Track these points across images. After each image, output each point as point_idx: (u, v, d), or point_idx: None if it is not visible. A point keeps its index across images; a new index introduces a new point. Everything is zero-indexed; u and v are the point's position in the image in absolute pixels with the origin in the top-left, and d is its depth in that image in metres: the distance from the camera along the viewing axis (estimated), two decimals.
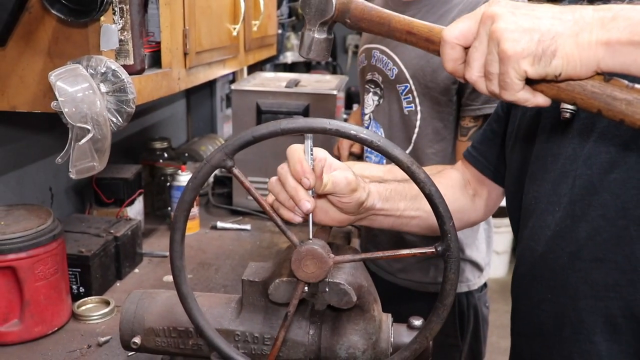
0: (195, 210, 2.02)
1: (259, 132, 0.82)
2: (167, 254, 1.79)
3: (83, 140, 1.10)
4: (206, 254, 1.85)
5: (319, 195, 0.96)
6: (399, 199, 1.08)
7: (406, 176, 1.02)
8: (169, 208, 2.03)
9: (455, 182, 1.24)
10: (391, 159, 0.79)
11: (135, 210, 1.89)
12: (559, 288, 0.94)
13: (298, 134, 0.88)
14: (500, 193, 1.26)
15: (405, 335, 1.00)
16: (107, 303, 1.46)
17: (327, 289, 0.92)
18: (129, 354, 1.25)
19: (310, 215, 0.91)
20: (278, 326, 0.97)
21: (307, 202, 0.89)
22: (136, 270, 1.70)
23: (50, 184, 1.80)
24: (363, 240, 1.89)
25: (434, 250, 0.83)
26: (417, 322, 1.00)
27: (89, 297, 1.47)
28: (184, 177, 1.99)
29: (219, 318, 1.01)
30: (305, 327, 0.98)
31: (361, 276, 0.97)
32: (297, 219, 0.92)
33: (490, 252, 1.79)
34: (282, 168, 0.91)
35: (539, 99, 0.77)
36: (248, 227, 2.08)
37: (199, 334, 0.95)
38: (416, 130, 1.60)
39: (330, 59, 4.22)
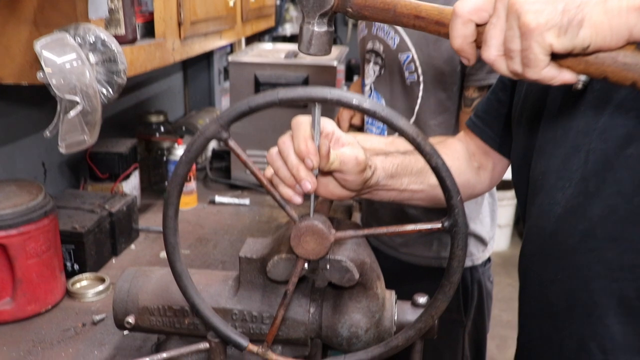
0: (192, 184, 1.98)
1: (255, 102, 0.77)
2: None
3: (72, 113, 1.05)
4: (204, 229, 1.82)
5: (322, 172, 0.91)
6: (404, 174, 1.04)
7: (409, 148, 0.97)
8: (166, 182, 1.98)
9: (460, 155, 1.19)
10: (396, 129, 0.75)
11: (131, 185, 1.85)
12: (570, 268, 0.89)
13: (297, 105, 0.84)
14: (506, 165, 1.21)
15: (409, 313, 0.96)
16: (102, 280, 1.43)
17: (328, 266, 0.88)
18: (125, 332, 1.22)
19: (314, 195, 0.87)
20: (277, 304, 0.94)
21: (308, 182, 0.84)
22: (132, 246, 1.67)
23: (43, 159, 1.75)
24: (364, 214, 1.86)
25: (440, 225, 0.79)
26: (422, 299, 0.97)
27: (83, 274, 1.44)
28: (180, 151, 1.94)
29: (215, 296, 0.97)
30: (305, 305, 0.95)
31: (364, 252, 0.93)
32: (297, 199, 0.87)
33: (495, 225, 1.75)
34: (284, 143, 0.86)
35: (566, 76, 0.71)
36: (247, 201, 2.04)
37: (195, 313, 0.92)
38: (419, 101, 1.55)
39: None
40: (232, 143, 0.79)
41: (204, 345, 0.93)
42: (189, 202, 1.97)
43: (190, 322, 0.98)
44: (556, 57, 0.71)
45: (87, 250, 1.44)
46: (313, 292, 0.96)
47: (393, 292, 0.99)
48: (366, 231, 0.84)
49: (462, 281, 1.64)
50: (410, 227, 0.82)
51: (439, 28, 0.81)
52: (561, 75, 0.71)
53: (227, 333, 0.89)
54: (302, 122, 0.85)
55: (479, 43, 0.77)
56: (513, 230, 4.71)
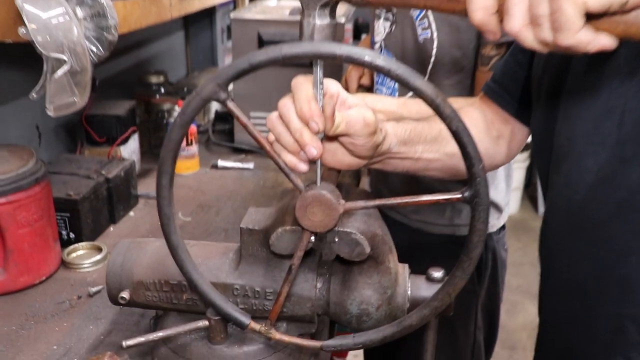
0: (194, 148, 1.91)
1: (256, 58, 0.70)
2: None
3: (59, 73, 0.98)
4: (206, 195, 1.75)
5: (328, 137, 0.84)
6: (417, 141, 0.96)
7: (422, 109, 0.89)
8: None
9: (477, 123, 1.11)
10: (412, 89, 0.67)
11: (130, 149, 1.78)
12: (602, 242, 0.82)
13: (303, 62, 0.76)
14: (526, 134, 1.13)
15: (423, 289, 0.91)
16: (99, 249, 1.37)
17: (337, 239, 0.81)
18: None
19: (318, 160, 0.79)
20: (281, 279, 0.87)
21: (313, 148, 0.76)
22: (131, 213, 1.61)
23: (37, 122, 1.68)
24: (373, 179, 1.78)
25: (460, 195, 0.72)
26: (437, 274, 0.91)
27: (79, 244, 1.38)
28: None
29: (215, 270, 0.91)
30: (312, 280, 0.89)
31: (375, 224, 0.87)
32: (302, 166, 0.79)
33: (510, 191, 1.67)
34: (285, 105, 0.78)
35: (603, 40, 0.63)
36: (251, 165, 1.97)
37: (192, 289, 0.86)
38: (432, 59, 1.46)
39: None
40: (231, 104, 0.72)
41: (203, 323, 0.88)
42: (190, 166, 1.90)
43: (189, 298, 0.92)
44: (590, 19, 0.63)
45: (82, 218, 1.38)
46: (320, 266, 0.90)
47: (406, 266, 0.93)
48: (378, 202, 0.77)
49: None
50: (426, 198, 0.76)
51: (453, 5, 0.73)
52: (598, 40, 0.63)
53: (228, 310, 0.84)
54: (303, 82, 0.77)
55: (500, 15, 0.69)
56: (523, 193, 4.64)
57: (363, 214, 0.88)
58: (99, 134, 1.71)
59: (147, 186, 1.79)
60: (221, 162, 1.97)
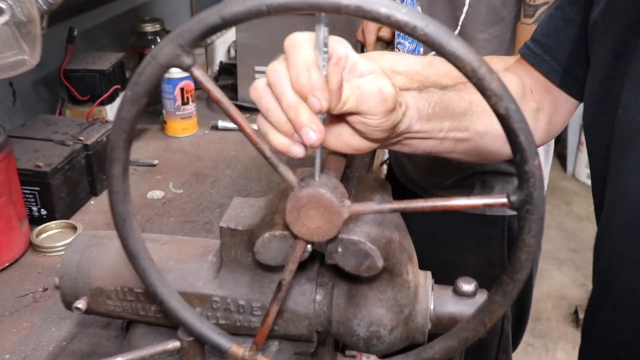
0: (191, 107, 1.74)
1: (229, 10, 0.53)
2: (156, 161, 1.54)
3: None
4: (202, 162, 1.59)
5: (332, 115, 0.67)
6: (444, 116, 0.80)
7: (453, 73, 0.73)
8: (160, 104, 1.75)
9: (513, 91, 0.92)
10: (446, 55, 0.50)
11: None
12: None
13: (300, 14, 0.59)
14: (572, 107, 0.97)
15: (450, 304, 0.75)
16: (74, 229, 1.21)
17: (340, 249, 0.65)
18: None
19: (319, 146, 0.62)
20: (271, 292, 0.72)
21: (312, 131, 0.59)
22: None
23: (11, 78, 1.51)
24: (391, 151, 1.61)
25: (505, 200, 0.55)
26: (468, 286, 0.74)
27: (52, 222, 1.22)
28: (176, 68, 1.68)
29: (189, 277, 0.75)
30: (309, 293, 0.73)
31: (391, 225, 0.70)
32: (296, 149, 0.62)
33: (549, 164, 1.50)
34: (277, 72, 0.60)
35: None
36: (255, 127, 1.78)
37: (158, 305, 0.69)
38: (465, 8, 1.26)
39: None
40: (197, 72, 0.56)
41: (173, 345, 0.72)
42: (187, 127, 1.73)
43: (159, 310, 0.76)
44: None
45: (55, 192, 1.22)
46: (320, 274, 0.74)
47: (428, 275, 0.76)
48: (396, 205, 0.60)
49: (508, 231, 1.40)
50: (460, 202, 0.58)
51: None
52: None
53: (203, 331, 0.68)
54: (301, 42, 0.60)
55: None
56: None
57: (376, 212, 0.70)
58: (81, 91, 1.54)
59: (137, 151, 1.64)
60: (222, 123, 1.80)
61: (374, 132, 0.68)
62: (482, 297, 0.73)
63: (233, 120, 0.58)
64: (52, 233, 1.22)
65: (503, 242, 1.41)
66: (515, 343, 1.65)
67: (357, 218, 0.66)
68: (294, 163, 0.69)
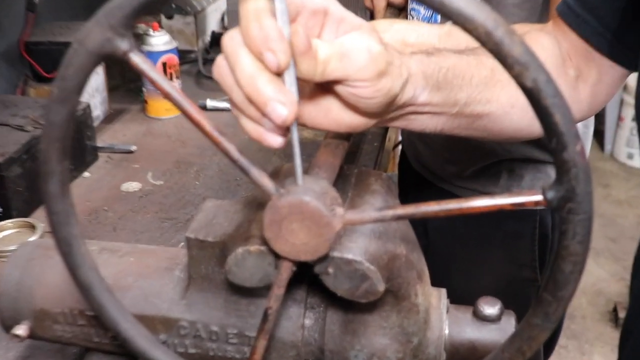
0: (176, 83, 1.66)
1: None
2: (134, 147, 1.48)
3: None
4: (186, 148, 1.53)
5: (317, 86, 0.60)
6: (459, 85, 0.73)
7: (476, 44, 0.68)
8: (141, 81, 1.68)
9: (548, 55, 0.88)
10: (450, 15, 0.44)
11: (92, 86, 1.54)
12: None
13: None
14: (619, 75, 0.90)
15: (469, 330, 0.68)
16: (33, 228, 1.14)
17: (331, 270, 0.57)
18: None
19: (294, 129, 0.54)
20: (249, 315, 0.66)
21: (279, 104, 0.52)
22: (86, 174, 1.39)
23: None
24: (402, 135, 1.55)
25: (540, 197, 0.48)
26: (491, 309, 0.68)
27: (8, 221, 1.15)
28: (157, 40, 1.61)
29: (152, 297, 0.69)
30: (296, 317, 0.66)
31: (395, 236, 0.63)
32: (272, 140, 0.56)
33: (588, 144, 1.46)
34: (232, 38, 0.54)
35: None
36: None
37: (121, 344, 0.62)
38: None
39: None
40: (136, 59, 0.49)
41: None
42: (171, 107, 1.66)
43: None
44: None
45: (9, 186, 1.15)
46: (310, 293, 0.67)
47: (442, 295, 0.69)
48: (401, 211, 0.53)
49: (539, 227, 1.34)
50: (480, 203, 0.51)
51: None
52: None
53: None
54: None
55: None
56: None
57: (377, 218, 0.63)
58: (47, 67, 1.47)
59: (113, 135, 1.58)
60: (211, 102, 1.74)
61: (368, 105, 0.61)
62: (508, 321, 0.66)
63: (187, 117, 0.52)
64: (7, 234, 1.14)
65: (534, 240, 1.34)
66: (549, 349, 1.60)
67: (353, 229, 0.59)
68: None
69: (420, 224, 1.46)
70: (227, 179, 1.38)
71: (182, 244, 1.14)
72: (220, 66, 0.55)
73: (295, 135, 0.53)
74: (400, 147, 1.76)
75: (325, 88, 0.61)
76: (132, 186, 1.35)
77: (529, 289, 1.39)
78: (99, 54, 0.47)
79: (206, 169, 1.43)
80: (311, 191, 0.53)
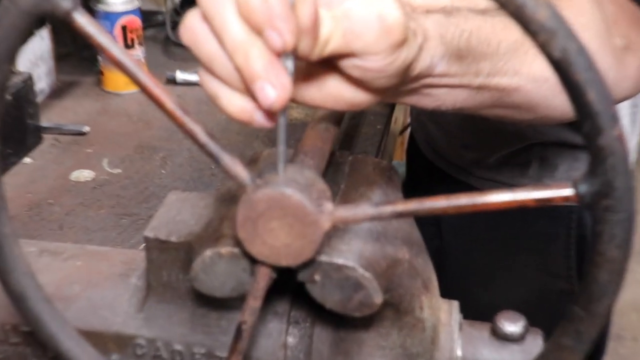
0: (138, 52, 1.68)
1: None
2: (87, 128, 1.50)
3: None
4: (151, 130, 1.54)
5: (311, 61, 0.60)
6: (483, 53, 0.75)
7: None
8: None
9: (587, 20, 0.89)
10: None
11: (34, 54, 1.54)
12: None
13: None
14: None
15: (486, 352, 0.70)
16: None
17: (318, 278, 0.59)
18: None
19: (282, 113, 0.55)
20: (220, 332, 0.68)
21: (269, 85, 0.53)
22: (27, 159, 1.41)
23: None
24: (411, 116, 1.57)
25: (571, 191, 0.48)
26: (513, 327, 0.70)
27: None
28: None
29: (102, 310, 0.71)
30: (277, 333, 0.68)
31: (396, 237, 0.65)
32: (258, 117, 0.57)
33: (635, 131, 1.47)
34: None
35: None
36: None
37: (56, 357, 0.64)
38: None
39: None
40: (81, 20, 0.49)
41: None
42: (131, 82, 1.66)
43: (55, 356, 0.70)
44: None
45: None
46: (294, 306, 0.69)
47: (454, 308, 0.72)
48: (402, 206, 0.55)
49: (576, 227, 1.36)
50: (498, 197, 0.51)
51: None
52: None
53: None
54: None
55: None
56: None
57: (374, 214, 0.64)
58: None
59: (62, 113, 1.59)
60: (182, 75, 1.74)
61: (376, 79, 0.62)
62: (534, 341, 0.68)
63: (144, 92, 0.53)
64: None
65: (569, 243, 1.37)
66: None
67: (345, 229, 0.60)
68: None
69: (432, 223, 1.48)
70: (199, 167, 1.39)
71: (144, 245, 1.16)
72: (194, 29, 0.55)
73: (282, 117, 0.54)
74: (409, 130, 1.77)
75: (320, 65, 0.61)
76: (84, 175, 1.36)
77: (563, 303, 1.41)
78: (33, 12, 0.47)
79: (174, 155, 1.45)
80: (294, 182, 0.53)
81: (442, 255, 1.46)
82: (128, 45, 1.64)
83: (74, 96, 1.67)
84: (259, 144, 1.46)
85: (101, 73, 1.68)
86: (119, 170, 1.39)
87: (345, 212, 0.54)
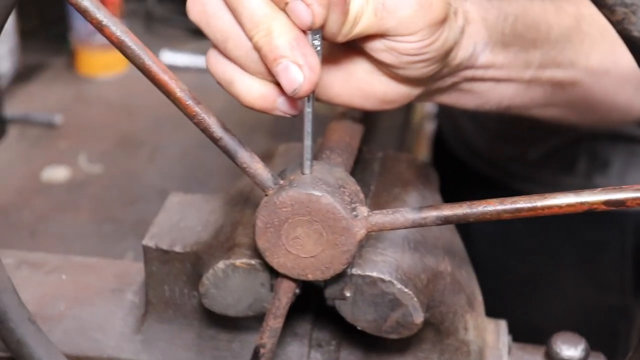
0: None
1: None
2: (59, 118, 1.53)
3: None
4: (136, 121, 1.59)
5: (334, 45, 0.62)
6: (532, 41, 0.77)
7: None
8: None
9: None
10: None
11: None
12: None
13: None
14: None
15: None
16: None
17: (349, 294, 0.61)
18: None
19: (309, 100, 0.56)
20: (229, 355, 0.71)
21: (295, 66, 0.54)
22: None
23: None
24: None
25: None
26: (572, 350, 0.73)
27: None
28: None
29: (93, 331, 0.74)
30: (298, 358, 0.71)
31: (436, 246, 0.68)
32: (285, 108, 0.58)
33: None
34: None
35: None
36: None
37: None
38: None
39: None
40: None
41: None
42: (110, 63, 1.72)
43: None
44: None
45: None
46: (317, 326, 0.71)
47: (502, 329, 0.74)
48: (448, 211, 0.56)
49: (634, 235, 1.37)
50: (561, 200, 0.52)
51: None
52: None
53: None
54: None
55: None
56: None
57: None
58: None
59: (29, 100, 1.63)
60: (169, 55, 1.80)
61: (412, 66, 0.63)
62: None
63: (151, 79, 0.55)
64: None
65: (624, 254, 1.39)
66: None
67: (379, 237, 0.62)
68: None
69: (459, 229, 1.49)
70: (192, 164, 1.43)
71: (131, 254, 1.17)
72: (204, 2, 0.57)
73: (308, 105, 0.56)
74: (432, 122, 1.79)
75: (345, 46, 0.62)
76: (58, 173, 1.38)
77: (616, 320, 1.43)
78: None
79: (163, 149, 1.48)
80: (323, 183, 0.55)
81: (473, 267, 1.47)
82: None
83: (43, 80, 1.70)
84: (260, 137, 1.48)
85: (73, 53, 1.70)
86: (99, 168, 1.42)
87: (383, 217, 0.55)
